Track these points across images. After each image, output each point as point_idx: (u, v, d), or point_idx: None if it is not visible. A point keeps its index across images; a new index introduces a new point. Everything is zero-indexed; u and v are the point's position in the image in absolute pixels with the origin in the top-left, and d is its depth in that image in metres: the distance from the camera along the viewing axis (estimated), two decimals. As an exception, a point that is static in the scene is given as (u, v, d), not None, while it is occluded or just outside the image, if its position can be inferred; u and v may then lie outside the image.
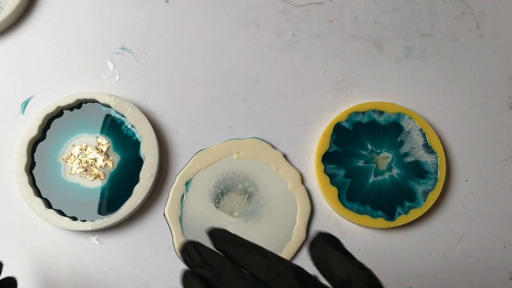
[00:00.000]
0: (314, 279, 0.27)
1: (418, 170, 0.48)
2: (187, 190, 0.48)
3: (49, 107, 0.49)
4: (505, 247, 0.48)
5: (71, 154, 0.49)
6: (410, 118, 0.49)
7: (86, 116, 0.50)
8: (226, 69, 0.52)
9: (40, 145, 0.49)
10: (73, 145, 0.49)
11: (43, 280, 0.45)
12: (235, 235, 0.29)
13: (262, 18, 0.53)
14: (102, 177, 0.48)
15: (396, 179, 0.48)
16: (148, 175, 0.48)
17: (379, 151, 0.49)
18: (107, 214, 0.47)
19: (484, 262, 0.48)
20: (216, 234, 0.29)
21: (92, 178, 0.48)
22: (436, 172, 0.48)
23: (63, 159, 0.49)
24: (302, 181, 0.49)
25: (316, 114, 0.51)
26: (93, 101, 0.50)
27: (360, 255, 0.48)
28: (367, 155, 0.49)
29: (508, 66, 0.52)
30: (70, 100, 0.49)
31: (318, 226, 0.48)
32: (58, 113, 0.50)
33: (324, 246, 0.27)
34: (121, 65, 0.52)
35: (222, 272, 0.27)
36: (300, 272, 0.27)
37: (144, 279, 0.47)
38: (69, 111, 0.50)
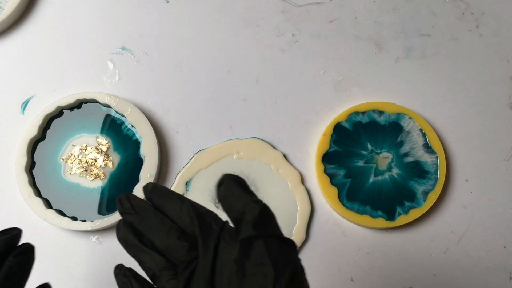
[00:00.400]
0: (218, 219, 0.29)
1: (418, 170, 0.48)
2: (187, 190, 0.48)
3: (49, 107, 0.49)
4: (505, 247, 0.48)
5: (71, 154, 0.49)
6: (410, 118, 0.49)
7: (86, 116, 0.50)
8: (226, 69, 0.52)
9: (40, 145, 0.49)
10: (73, 145, 0.49)
11: (43, 280, 0.45)
12: (163, 187, 0.31)
13: (262, 18, 0.53)
14: (102, 177, 0.48)
15: (396, 179, 0.48)
16: (148, 175, 0.48)
17: (379, 151, 0.49)
18: (107, 214, 0.47)
19: (484, 262, 0.48)
20: (147, 185, 0.31)
21: (92, 178, 0.48)
22: (436, 172, 0.48)
23: (63, 159, 0.49)
24: (302, 181, 0.49)
25: (316, 114, 0.51)
26: (93, 101, 0.50)
27: (360, 255, 0.48)
28: (367, 155, 0.49)
29: (508, 66, 0.52)
30: (70, 100, 0.49)
31: (318, 226, 0.48)
32: (58, 113, 0.50)
33: (228, 183, 0.29)
34: (121, 65, 0.52)
35: (144, 216, 0.30)
36: (208, 215, 0.29)
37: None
38: (69, 111, 0.50)
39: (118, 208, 0.32)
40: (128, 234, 0.30)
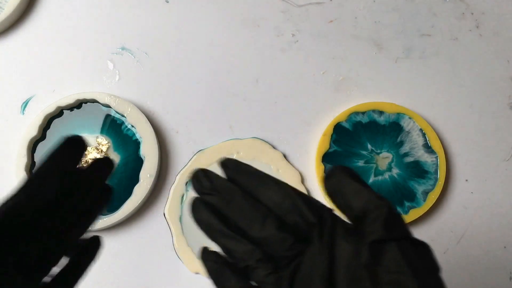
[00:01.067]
0: (328, 210, 0.25)
1: (418, 170, 0.48)
2: (187, 190, 0.48)
3: (49, 107, 0.49)
4: (505, 247, 0.48)
5: (71, 154, 0.49)
6: (410, 118, 0.49)
7: (86, 116, 0.50)
8: (226, 69, 0.52)
9: (40, 145, 0.49)
10: (73, 145, 0.49)
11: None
12: (248, 165, 0.27)
13: (262, 18, 0.53)
14: (102, 177, 0.48)
15: (396, 179, 0.48)
16: (148, 175, 0.48)
17: (379, 151, 0.49)
18: (107, 214, 0.47)
19: (484, 262, 0.48)
20: (228, 163, 0.28)
21: (92, 178, 0.48)
22: (436, 172, 0.48)
23: (63, 159, 0.49)
24: (302, 181, 0.49)
25: (316, 114, 0.51)
26: (93, 101, 0.50)
27: (360, 255, 0.48)
28: (367, 155, 0.49)
29: (508, 66, 0.52)
30: (70, 100, 0.49)
31: (318, 226, 0.48)
32: (58, 113, 0.50)
33: (340, 176, 0.25)
34: (121, 65, 0.52)
35: (232, 200, 0.26)
36: (314, 203, 0.26)
37: (144, 279, 0.47)
38: (69, 111, 0.50)
39: (194, 186, 0.28)
40: (211, 217, 0.26)
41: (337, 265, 0.23)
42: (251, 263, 0.25)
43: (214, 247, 0.27)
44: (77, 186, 0.29)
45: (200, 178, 0.28)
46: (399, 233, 0.23)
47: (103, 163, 0.31)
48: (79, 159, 0.29)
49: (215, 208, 0.27)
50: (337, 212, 0.26)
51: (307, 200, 0.25)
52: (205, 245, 0.27)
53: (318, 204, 0.26)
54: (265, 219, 0.25)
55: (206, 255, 0.27)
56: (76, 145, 0.29)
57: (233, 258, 0.26)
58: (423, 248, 0.24)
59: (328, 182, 0.25)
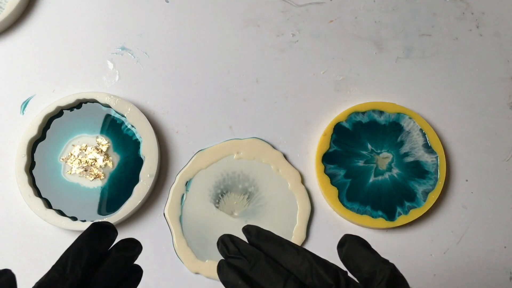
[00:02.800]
0: (344, 272, 0.29)
1: (418, 170, 0.48)
2: (187, 190, 0.48)
3: (49, 107, 0.49)
4: (505, 247, 0.48)
5: (71, 154, 0.49)
6: (410, 118, 0.49)
7: (86, 116, 0.50)
8: (226, 69, 0.52)
9: (40, 145, 0.49)
10: (73, 145, 0.49)
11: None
12: (268, 231, 0.31)
13: (262, 18, 0.53)
14: (102, 177, 0.48)
15: (396, 179, 0.48)
16: (148, 175, 0.48)
17: (379, 151, 0.49)
18: (107, 214, 0.47)
19: (484, 262, 0.48)
20: (251, 229, 0.31)
21: (92, 178, 0.48)
22: (436, 172, 0.48)
23: (63, 159, 0.49)
24: (302, 181, 0.49)
25: (316, 114, 0.51)
26: (93, 101, 0.50)
27: (360, 255, 0.48)
28: (367, 155, 0.49)
29: (508, 66, 0.52)
30: (70, 100, 0.49)
31: (318, 226, 0.48)
32: (58, 113, 0.50)
33: (351, 243, 0.29)
34: (121, 65, 0.52)
35: (256, 263, 0.29)
36: (330, 266, 0.29)
37: (144, 279, 0.47)
38: (69, 111, 0.50)
39: (221, 250, 0.31)
40: (238, 279, 0.29)
41: None
42: None
43: None
44: (106, 266, 0.32)
45: (227, 242, 0.31)
46: None
47: (130, 243, 0.34)
48: (110, 243, 0.33)
49: (240, 270, 0.30)
50: (350, 275, 0.29)
51: (324, 263, 0.29)
52: None
53: (334, 267, 0.29)
54: (286, 281, 0.28)
55: None
56: (106, 231, 0.32)
57: None
58: None
59: (341, 248, 0.29)
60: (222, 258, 0.32)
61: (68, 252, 0.31)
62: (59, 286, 0.29)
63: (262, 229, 0.31)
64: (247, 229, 0.31)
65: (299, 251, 0.29)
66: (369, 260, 0.28)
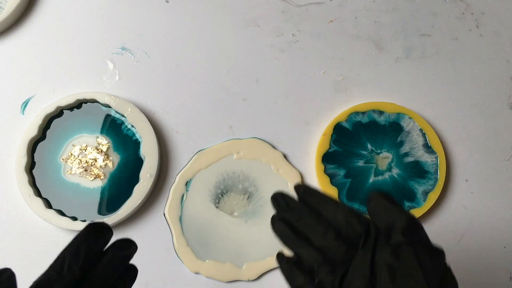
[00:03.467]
0: (373, 223, 0.32)
1: (418, 170, 0.48)
2: (187, 190, 0.48)
3: (49, 107, 0.49)
4: (505, 247, 0.48)
5: (71, 154, 0.49)
6: (410, 118, 0.49)
7: (86, 116, 0.50)
8: (226, 69, 0.52)
9: (40, 145, 0.49)
10: (73, 145, 0.49)
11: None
12: (315, 189, 0.34)
13: (262, 18, 0.53)
14: (102, 177, 0.48)
15: (396, 179, 0.48)
16: (148, 175, 0.48)
17: (379, 151, 0.49)
18: (107, 214, 0.47)
19: (484, 262, 0.48)
20: (299, 187, 0.35)
21: (92, 178, 0.48)
22: (436, 172, 0.48)
23: (63, 159, 0.49)
24: (302, 181, 0.49)
25: (316, 114, 0.51)
26: (93, 101, 0.50)
27: (360, 255, 0.48)
28: (367, 155, 0.49)
29: (508, 66, 0.53)
30: (70, 100, 0.49)
31: (318, 226, 0.48)
32: (58, 113, 0.50)
33: (376, 198, 0.32)
34: (121, 65, 0.52)
35: (301, 215, 0.33)
36: (363, 218, 0.32)
37: (144, 279, 0.47)
38: (69, 111, 0.50)
39: (273, 204, 0.35)
40: (285, 229, 0.33)
41: (376, 265, 0.30)
42: (314, 266, 0.31)
43: (287, 252, 0.33)
44: (103, 265, 0.33)
45: (278, 199, 0.35)
46: (416, 238, 0.30)
47: (126, 242, 0.36)
48: (105, 242, 0.34)
49: (289, 222, 0.33)
50: None
51: (357, 215, 0.32)
52: (280, 250, 0.34)
53: (366, 219, 0.32)
54: (326, 231, 0.32)
55: (280, 258, 0.33)
56: (102, 231, 0.34)
57: (302, 261, 0.32)
58: (436, 252, 0.30)
59: (368, 204, 0.32)
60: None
61: (65, 252, 0.32)
62: (57, 284, 0.31)
63: (308, 186, 0.35)
64: (296, 186, 0.35)
65: (338, 205, 0.33)
66: (391, 211, 0.31)
